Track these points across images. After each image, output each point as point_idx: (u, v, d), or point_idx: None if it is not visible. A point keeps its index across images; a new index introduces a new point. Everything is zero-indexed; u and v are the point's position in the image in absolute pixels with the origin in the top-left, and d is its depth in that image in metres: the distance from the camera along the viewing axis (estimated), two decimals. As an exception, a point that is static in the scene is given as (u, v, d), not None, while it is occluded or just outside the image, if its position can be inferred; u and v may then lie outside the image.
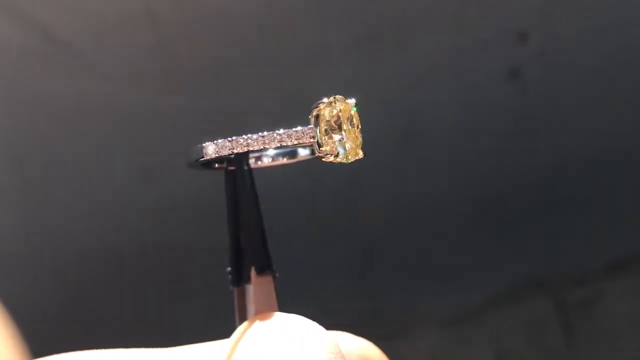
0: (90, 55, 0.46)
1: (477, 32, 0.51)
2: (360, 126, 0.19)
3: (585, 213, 0.65)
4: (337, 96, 0.19)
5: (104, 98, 0.48)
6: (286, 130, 0.18)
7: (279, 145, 0.18)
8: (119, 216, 0.54)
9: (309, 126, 0.19)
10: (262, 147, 0.18)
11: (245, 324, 0.18)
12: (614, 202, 0.65)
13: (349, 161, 0.19)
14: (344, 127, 0.19)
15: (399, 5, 0.48)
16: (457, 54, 0.51)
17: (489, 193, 0.61)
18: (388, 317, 0.66)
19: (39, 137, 0.49)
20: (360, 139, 0.19)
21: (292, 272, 0.58)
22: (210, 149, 0.18)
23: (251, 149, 0.18)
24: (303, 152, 0.21)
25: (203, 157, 0.18)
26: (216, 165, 0.20)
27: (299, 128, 0.19)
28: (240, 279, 0.19)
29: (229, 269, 0.20)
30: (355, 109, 0.19)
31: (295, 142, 0.18)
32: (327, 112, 0.19)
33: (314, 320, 0.18)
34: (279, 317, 0.18)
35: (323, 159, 0.19)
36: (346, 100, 0.19)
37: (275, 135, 0.18)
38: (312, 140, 0.19)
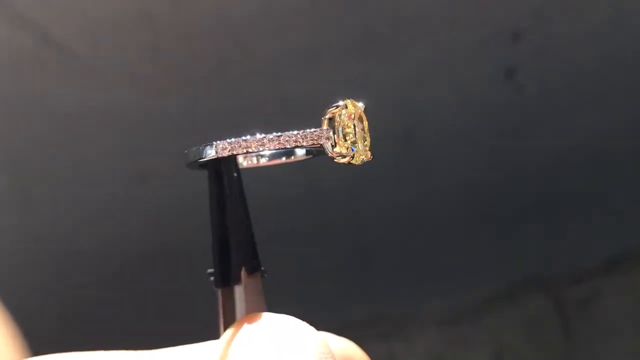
0: (88, 57, 0.46)
1: (473, 32, 0.51)
2: (368, 129, 0.20)
3: (581, 212, 0.65)
4: (348, 100, 0.19)
5: (102, 100, 0.48)
6: (301, 132, 0.18)
7: (294, 145, 0.18)
8: (117, 218, 0.54)
9: (323, 128, 0.19)
10: (277, 148, 0.18)
11: (235, 324, 0.18)
12: (611, 201, 0.65)
13: (359, 163, 0.19)
14: (357, 129, 0.19)
15: (396, 6, 0.48)
16: (453, 54, 0.52)
17: (486, 192, 0.61)
18: (387, 317, 0.66)
19: (36, 140, 0.49)
20: (369, 141, 0.19)
21: (291, 272, 0.58)
22: (220, 148, 0.18)
23: (266, 148, 0.18)
24: (300, 152, 0.21)
25: (215, 156, 0.18)
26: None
27: (313, 129, 0.19)
28: (227, 279, 0.19)
29: (210, 270, 0.19)
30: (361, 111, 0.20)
31: (311, 143, 0.19)
32: (343, 114, 0.19)
33: (302, 320, 0.18)
34: (270, 317, 0.18)
35: (335, 160, 0.19)
36: (357, 104, 0.19)
37: (291, 135, 0.18)
38: (326, 141, 0.19)
